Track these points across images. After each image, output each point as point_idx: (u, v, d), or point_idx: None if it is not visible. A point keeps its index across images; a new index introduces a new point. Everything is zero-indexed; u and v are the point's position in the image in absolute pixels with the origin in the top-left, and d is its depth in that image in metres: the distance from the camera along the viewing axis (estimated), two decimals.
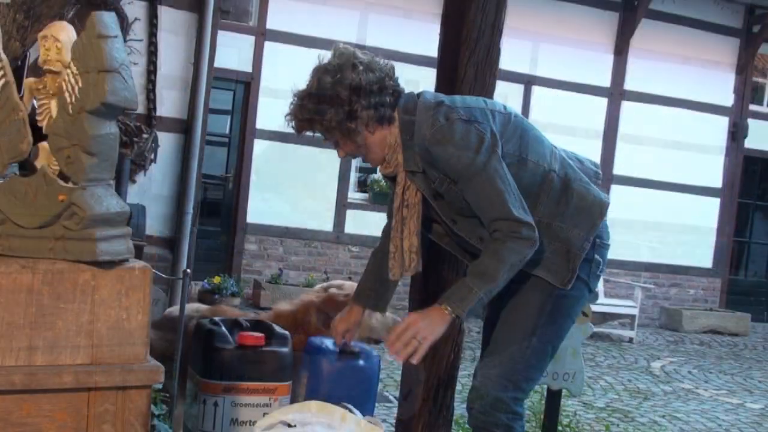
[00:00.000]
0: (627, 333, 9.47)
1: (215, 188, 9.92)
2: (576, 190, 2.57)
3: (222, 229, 9.88)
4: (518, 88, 10.38)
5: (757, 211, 12.51)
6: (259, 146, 9.68)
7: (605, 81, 11.02)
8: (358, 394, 2.71)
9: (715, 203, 11.64)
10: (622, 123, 11.10)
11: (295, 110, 2.53)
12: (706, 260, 11.64)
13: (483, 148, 2.41)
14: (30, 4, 4.14)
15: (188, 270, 3.35)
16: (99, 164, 1.82)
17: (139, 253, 3.35)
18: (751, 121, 11.66)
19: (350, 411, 2.26)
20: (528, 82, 10.62)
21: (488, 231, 2.43)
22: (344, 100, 2.42)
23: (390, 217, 2.72)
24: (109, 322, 1.80)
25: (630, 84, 11.09)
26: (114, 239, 1.83)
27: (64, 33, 1.85)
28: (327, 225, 9.99)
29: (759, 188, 12.48)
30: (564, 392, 3.64)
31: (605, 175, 10.88)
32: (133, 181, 6.07)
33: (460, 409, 3.36)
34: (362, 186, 10.30)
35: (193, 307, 3.64)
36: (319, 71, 2.47)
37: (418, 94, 2.56)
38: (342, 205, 10.03)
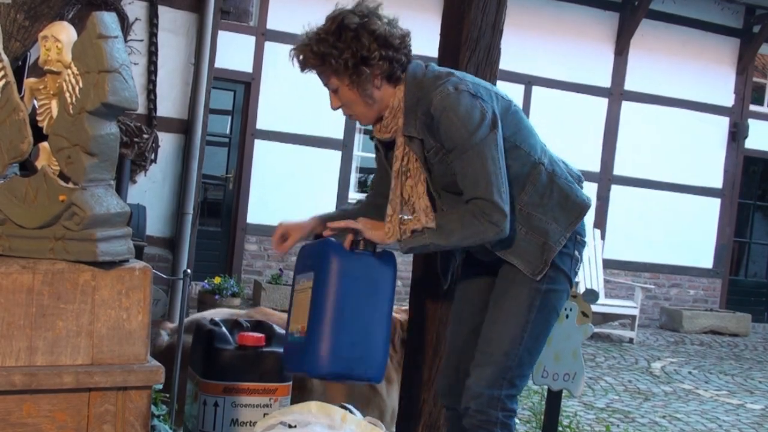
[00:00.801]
0: (627, 333, 9.47)
1: (216, 188, 9.93)
2: (560, 186, 2.61)
3: (222, 230, 9.88)
4: (518, 89, 10.38)
5: (757, 212, 12.51)
6: (260, 147, 9.69)
7: (605, 81, 11.02)
8: (376, 292, 2.56)
9: (715, 203, 11.64)
10: (623, 123, 11.11)
11: (310, 43, 2.46)
12: (706, 260, 11.64)
13: (484, 124, 2.43)
14: (31, 4, 4.14)
15: (188, 270, 3.34)
16: (99, 164, 1.82)
17: (139, 254, 3.36)
18: (751, 122, 11.67)
19: (350, 411, 2.26)
20: (528, 82, 10.63)
21: (464, 201, 2.47)
22: (364, 44, 2.42)
23: (373, 188, 2.80)
24: (110, 323, 1.80)
25: (630, 84, 11.09)
26: (114, 239, 1.83)
27: (65, 33, 1.85)
28: None
29: (759, 188, 12.48)
30: (564, 393, 3.64)
31: (605, 175, 10.96)
32: (134, 182, 6.06)
33: None
34: (362, 186, 10.30)
35: (226, 312, 3.64)
36: (344, 12, 2.47)
37: (426, 65, 2.59)
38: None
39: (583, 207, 2.65)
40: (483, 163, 2.42)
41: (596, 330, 8.47)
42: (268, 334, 2.93)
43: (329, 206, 9.97)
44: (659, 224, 11.19)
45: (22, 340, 1.74)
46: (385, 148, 2.68)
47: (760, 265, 12.62)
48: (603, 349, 8.65)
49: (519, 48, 9.68)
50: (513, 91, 10.26)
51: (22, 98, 1.90)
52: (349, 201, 10.02)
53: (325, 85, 2.53)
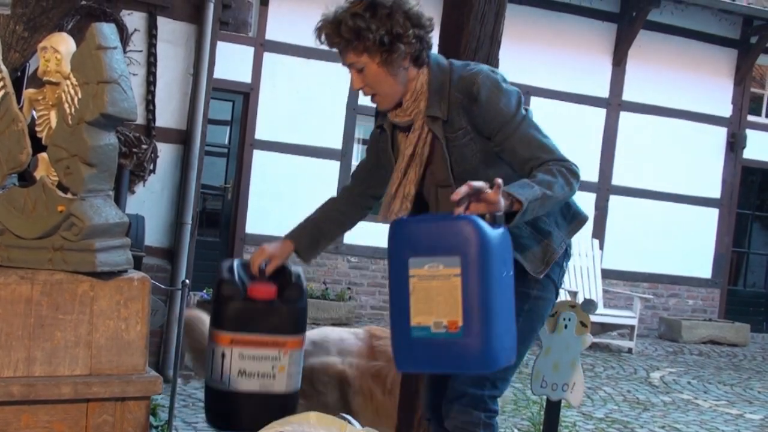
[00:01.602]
0: (626, 343, 9.46)
1: (214, 199, 9.93)
2: None
3: (221, 240, 9.87)
4: None
5: (755, 222, 12.51)
6: (258, 157, 9.70)
7: (603, 92, 11.04)
8: (510, 270, 2.32)
9: (713, 213, 11.65)
10: (621, 133, 11.12)
11: (344, 18, 2.43)
12: (705, 270, 11.63)
13: (522, 105, 2.50)
14: (30, 15, 4.15)
15: (187, 280, 3.35)
16: (98, 175, 1.82)
17: (138, 264, 3.35)
18: (749, 132, 11.69)
19: (349, 422, 2.26)
20: (526, 92, 10.63)
21: (534, 167, 2.44)
22: (399, 21, 2.42)
23: (354, 178, 2.88)
24: (108, 333, 1.80)
25: (628, 95, 11.11)
26: (113, 250, 1.83)
27: (64, 44, 1.86)
28: None
29: (758, 198, 12.49)
30: (563, 403, 3.64)
31: (604, 185, 10.97)
32: (132, 192, 6.05)
33: None
34: None
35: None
36: None
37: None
38: None
39: (582, 218, 2.69)
40: (538, 133, 2.50)
41: (595, 340, 8.46)
42: (281, 284, 2.79)
43: None
44: (658, 234, 11.19)
45: (21, 351, 1.74)
46: (391, 137, 2.67)
47: (758, 275, 12.61)
48: (602, 359, 8.64)
49: (517, 59, 9.70)
50: None
51: (21, 109, 1.90)
52: None
53: (349, 64, 2.50)
